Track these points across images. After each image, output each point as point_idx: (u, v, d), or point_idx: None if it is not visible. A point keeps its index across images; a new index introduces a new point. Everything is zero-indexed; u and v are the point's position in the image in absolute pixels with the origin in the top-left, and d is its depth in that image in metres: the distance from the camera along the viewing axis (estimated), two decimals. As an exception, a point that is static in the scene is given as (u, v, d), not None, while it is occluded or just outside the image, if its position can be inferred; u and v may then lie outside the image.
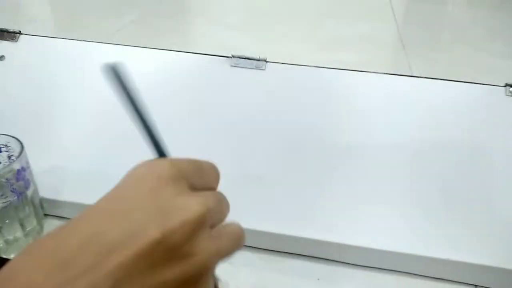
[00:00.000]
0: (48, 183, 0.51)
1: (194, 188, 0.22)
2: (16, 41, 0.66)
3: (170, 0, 1.24)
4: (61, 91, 0.61)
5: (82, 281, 0.18)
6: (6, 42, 0.66)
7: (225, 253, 0.23)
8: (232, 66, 0.61)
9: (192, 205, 0.20)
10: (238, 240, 0.24)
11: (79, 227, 0.20)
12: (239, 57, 0.61)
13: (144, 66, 0.60)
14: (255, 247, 0.51)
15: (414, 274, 0.47)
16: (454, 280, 0.47)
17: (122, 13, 1.13)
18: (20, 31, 0.66)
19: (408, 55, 0.95)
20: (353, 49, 0.97)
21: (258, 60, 0.61)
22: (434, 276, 0.47)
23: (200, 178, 0.24)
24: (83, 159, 0.55)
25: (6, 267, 0.18)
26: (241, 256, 0.50)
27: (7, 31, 0.66)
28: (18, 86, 0.62)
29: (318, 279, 0.48)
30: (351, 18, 1.17)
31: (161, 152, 0.25)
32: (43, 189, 0.50)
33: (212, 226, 0.22)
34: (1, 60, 0.64)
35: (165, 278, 0.19)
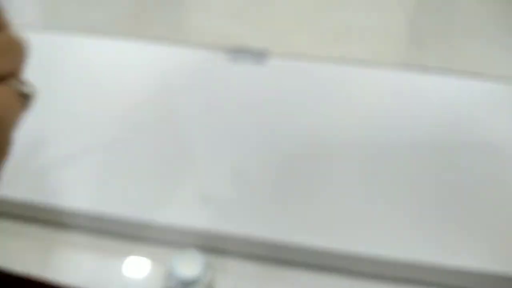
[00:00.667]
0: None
1: None
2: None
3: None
4: (50, 82, 0.58)
5: None
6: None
7: None
8: (230, 61, 0.58)
9: None
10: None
11: None
12: (238, 51, 0.58)
13: (135, 61, 0.58)
14: (255, 257, 0.48)
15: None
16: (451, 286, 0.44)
17: (115, 3, 1.11)
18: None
19: (420, 48, 0.92)
20: (360, 41, 0.94)
21: (259, 54, 0.57)
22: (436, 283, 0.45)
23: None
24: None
25: None
26: (241, 267, 0.48)
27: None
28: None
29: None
30: (359, 8, 1.14)
31: None
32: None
33: None
34: None
35: None
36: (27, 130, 0.54)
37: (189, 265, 0.41)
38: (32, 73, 0.60)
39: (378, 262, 0.44)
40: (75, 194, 0.49)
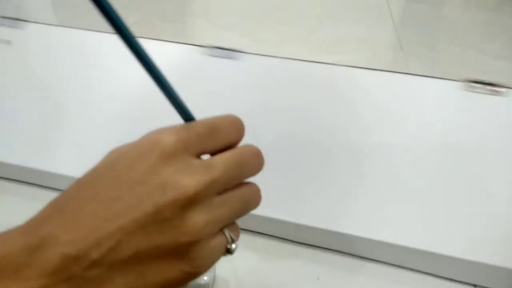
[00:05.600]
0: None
1: (205, 151, 0.25)
2: (23, 29, 0.68)
3: (172, 2, 1.25)
4: (64, 79, 0.63)
5: (90, 239, 0.22)
6: (14, 29, 0.68)
7: (223, 221, 0.25)
8: (208, 56, 0.61)
9: (185, 183, 0.23)
10: (245, 204, 0.27)
11: (92, 195, 0.23)
12: (215, 48, 0.61)
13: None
14: (256, 249, 0.52)
15: (414, 269, 0.48)
16: (453, 278, 0.47)
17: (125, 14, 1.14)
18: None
19: (406, 56, 0.95)
20: (350, 50, 0.98)
21: (235, 51, 0.61)
22: (435, 273, 0.48)
23: (213, 140, 0.25)
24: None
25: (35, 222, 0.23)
26: (243, 254, 0.51)
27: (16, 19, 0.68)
28: (22, 71, 0.64)
29: (318, 278, 0.49)
30: (349, 19, 1.17)
31: (185, 117, 0.26)
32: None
33: (222, 191, 0.25)
34: (8, 44, 0.66)
35: (157, 243, 0.23)
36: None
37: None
38: (52, 64, 0.64)
39: (378, 245, 0.48)
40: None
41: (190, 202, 0.23)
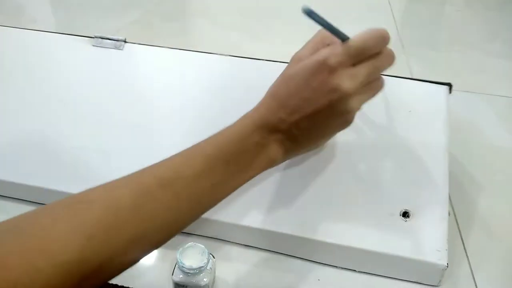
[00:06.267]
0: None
1: (356, 63, 0.38)
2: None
3: (171, 1, 1.24)
4: (60, 85, 0.63)
5: (295, 116, 0.40)
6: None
7: (364, 100, 0.41)
8: (93, 46, 0.63)
9: (346, 86, 0.38)
10: (376, 90, 0.41)
11: (294, 92, 0.40)
12: (101, 38, 0.63)
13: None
14: (256, 247, 0.52)
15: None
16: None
17: (123, 13, 1.13)
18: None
19: (407, 56, 0.95)
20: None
21: (118, 40, 0.63)
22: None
23: (362, 55, 0.38)
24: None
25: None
26: (242, 256, 0.51)
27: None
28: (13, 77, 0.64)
29: (319, 280, 0.49)
30: (350, 18, 1.17)
31: (341, 38, 0.38)
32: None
33: (366, 81, 0.39)
34: None
35: (329, 120, 0.40)
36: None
37: (194, 256, 0.44)
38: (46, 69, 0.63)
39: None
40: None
41: (349, 96, 0.38)
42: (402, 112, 0.54)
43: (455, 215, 0.57)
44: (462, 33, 1.11)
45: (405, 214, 0.49)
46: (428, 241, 0.47)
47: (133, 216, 0.33)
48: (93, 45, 0.63)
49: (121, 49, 0.63)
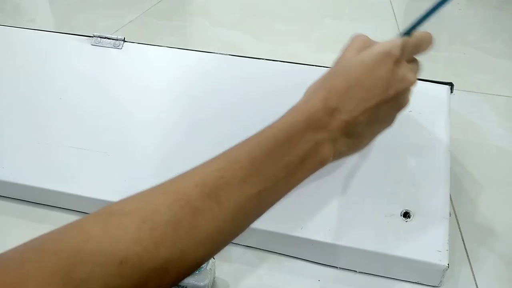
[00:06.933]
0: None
1: (411, 57, 0.40)
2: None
3: (170, 0, 1.24)
4: (58, 84, 0.62)
5: (360, 109, 0.37)
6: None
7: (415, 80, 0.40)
8: (92, 45, 0.63)
9: (410, 77, 0.38)
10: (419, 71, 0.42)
11: (355, 84, 0.37)
12: (100, 37, 0.63)
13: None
14: (256, 248, 0.51)
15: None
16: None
17: (122, 12, 1.13)
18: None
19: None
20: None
21: (117, 39, 0.63)
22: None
23: (416, 51, 0.40)
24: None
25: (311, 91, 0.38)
26: (242, 256, 0.51)
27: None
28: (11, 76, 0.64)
29: (319, 280, 0.48)
30: (351, 17, 1.17)
31: (405, 32, 0.40)
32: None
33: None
34: None
35: (393, 111, 0.40)
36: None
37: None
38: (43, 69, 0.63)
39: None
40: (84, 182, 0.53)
41: (410, 90, 0.39)
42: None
43: (456, 215, 0.57)
44: (463, 33, 1.11)
45: (406, 215, 0.48)
46: (428, 241, 0.47)
47: (173, 232, 0.29)
48: (92, 44, 0.63)
49: (120, 48, 0.63)
